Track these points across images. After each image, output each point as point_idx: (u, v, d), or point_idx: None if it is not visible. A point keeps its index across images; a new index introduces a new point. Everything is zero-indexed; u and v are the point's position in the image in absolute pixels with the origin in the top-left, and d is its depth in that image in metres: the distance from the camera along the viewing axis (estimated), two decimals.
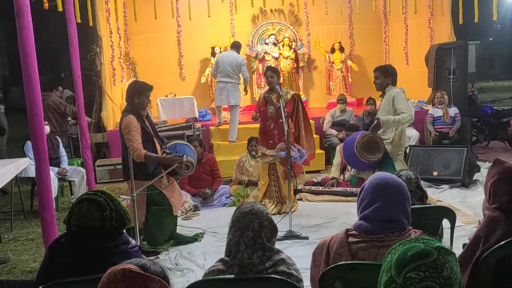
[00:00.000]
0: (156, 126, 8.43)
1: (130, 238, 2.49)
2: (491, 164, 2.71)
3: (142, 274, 1.54)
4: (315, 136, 8.58)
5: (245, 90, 9.11)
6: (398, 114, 5.44)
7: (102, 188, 2.56)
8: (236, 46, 8.97)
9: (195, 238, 5.38)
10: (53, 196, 4.21)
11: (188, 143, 5.42)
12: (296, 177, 5.65)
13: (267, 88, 10.74)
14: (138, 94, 4.90)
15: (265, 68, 6.54)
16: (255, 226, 2.27)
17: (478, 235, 2.60)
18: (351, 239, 2.34)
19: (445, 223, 3.57)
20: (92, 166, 7.27)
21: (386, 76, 5.60)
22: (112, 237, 2.37)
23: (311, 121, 8.89)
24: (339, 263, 2.28)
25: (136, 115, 4.85)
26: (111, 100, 9.66)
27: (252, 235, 2.25)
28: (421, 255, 1.40)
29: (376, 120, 5.45)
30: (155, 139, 5.00)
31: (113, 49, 10.06)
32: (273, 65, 10.62)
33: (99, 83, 9.45)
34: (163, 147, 5.05)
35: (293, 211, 5.94)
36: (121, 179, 8.43)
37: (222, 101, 8.95)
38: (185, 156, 4.81)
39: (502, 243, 2.44)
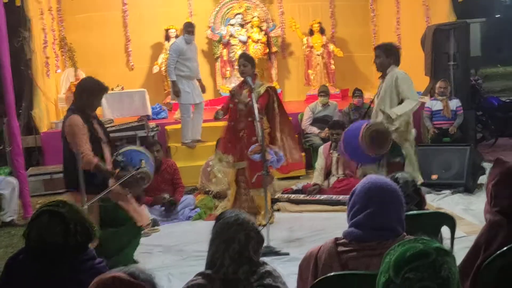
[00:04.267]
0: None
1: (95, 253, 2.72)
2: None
3: (131, 281, 1.81)
4: None
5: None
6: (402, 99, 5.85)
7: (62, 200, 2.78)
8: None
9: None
10: None
11: (144, 151, 5.50)
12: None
13: (234, 78, 10.93)
14: (89, 95, 5.10)
15: (238, 55, 6.83)
16: (241, 238, 2.53)
17: (478, 241, 2.94)
18: (340, 248, 2.63)
19: (447, 233, 3.89)
20: (25, 175, 7.40)
21: (387, 55, 6.01)
22: (77, 254, 2.61)
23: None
24: (328, 274, 2.55)
25: (82, 116, 5.03)
26: (45, 95, 9.76)
27: (238, 249, 2.51)
28: (420, 256, 1.71)
29: (383, 113, 5.74)
30: (103, 145, 5.17)
31: (46, 33, 10.16)
32: (242, 51, 10.87)
33: (30, 75, 9.54)
34: (115, 153, 5.20)
35: (270, 224, 6.20)
36: (59, 191, 8.58)
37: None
38: (142, 165, 5.00)
39: (504, 249, 2.77)
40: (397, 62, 6.05)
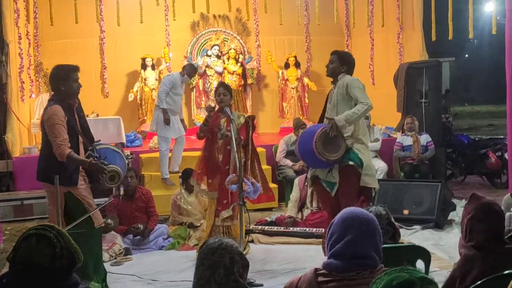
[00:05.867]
0: None
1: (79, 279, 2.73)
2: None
3: None
4: (266, 167, 8.97)
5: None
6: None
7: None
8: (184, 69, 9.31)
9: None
10: None
11: (119, 151, 5.49)
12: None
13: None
14: (64, 80, 5.03)
15: (217, 84, 6.95)
16: (226, 262, 2.58)
17: (454, 274, 3.04)
18: (320, 278, 2.67)
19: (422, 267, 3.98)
20: None
21: (342, 63, 5.85)
22: (62, 278, 2.63)
23: (262, 149, 9.30)
24: None
25: (64, 106, 4.98)
26: (18, 120, 9.72)
27: (224, 272, 2.56)
28: (406, 284, 1.81)
29: (329, 121, 5.61)
30: (80, 137, 5.12)
31: (22, 58, 10.16)
32: (217, 82, 10.97)
33: (4, 99, 9.51)
34: (90, 146, 5.14)
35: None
36: (30, 217, 8.54)
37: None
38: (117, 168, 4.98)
39: (478, 283, 2.87)
40: (349, 72, 5.89)
